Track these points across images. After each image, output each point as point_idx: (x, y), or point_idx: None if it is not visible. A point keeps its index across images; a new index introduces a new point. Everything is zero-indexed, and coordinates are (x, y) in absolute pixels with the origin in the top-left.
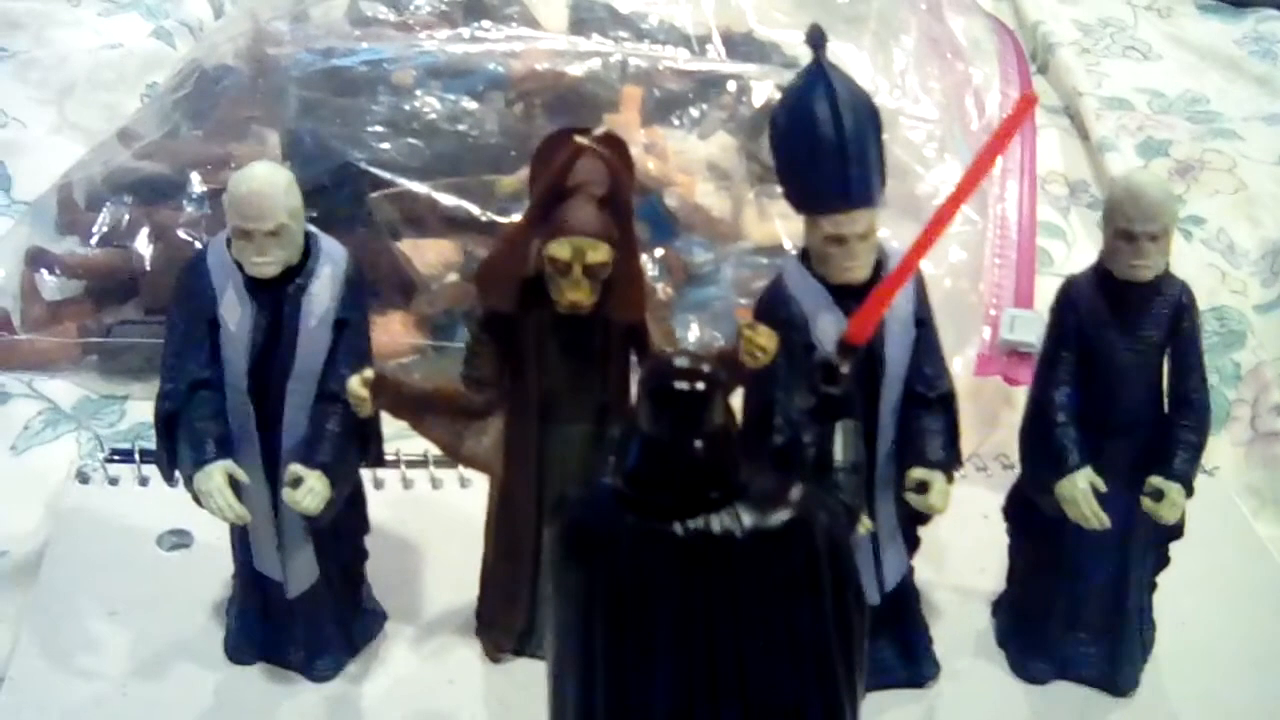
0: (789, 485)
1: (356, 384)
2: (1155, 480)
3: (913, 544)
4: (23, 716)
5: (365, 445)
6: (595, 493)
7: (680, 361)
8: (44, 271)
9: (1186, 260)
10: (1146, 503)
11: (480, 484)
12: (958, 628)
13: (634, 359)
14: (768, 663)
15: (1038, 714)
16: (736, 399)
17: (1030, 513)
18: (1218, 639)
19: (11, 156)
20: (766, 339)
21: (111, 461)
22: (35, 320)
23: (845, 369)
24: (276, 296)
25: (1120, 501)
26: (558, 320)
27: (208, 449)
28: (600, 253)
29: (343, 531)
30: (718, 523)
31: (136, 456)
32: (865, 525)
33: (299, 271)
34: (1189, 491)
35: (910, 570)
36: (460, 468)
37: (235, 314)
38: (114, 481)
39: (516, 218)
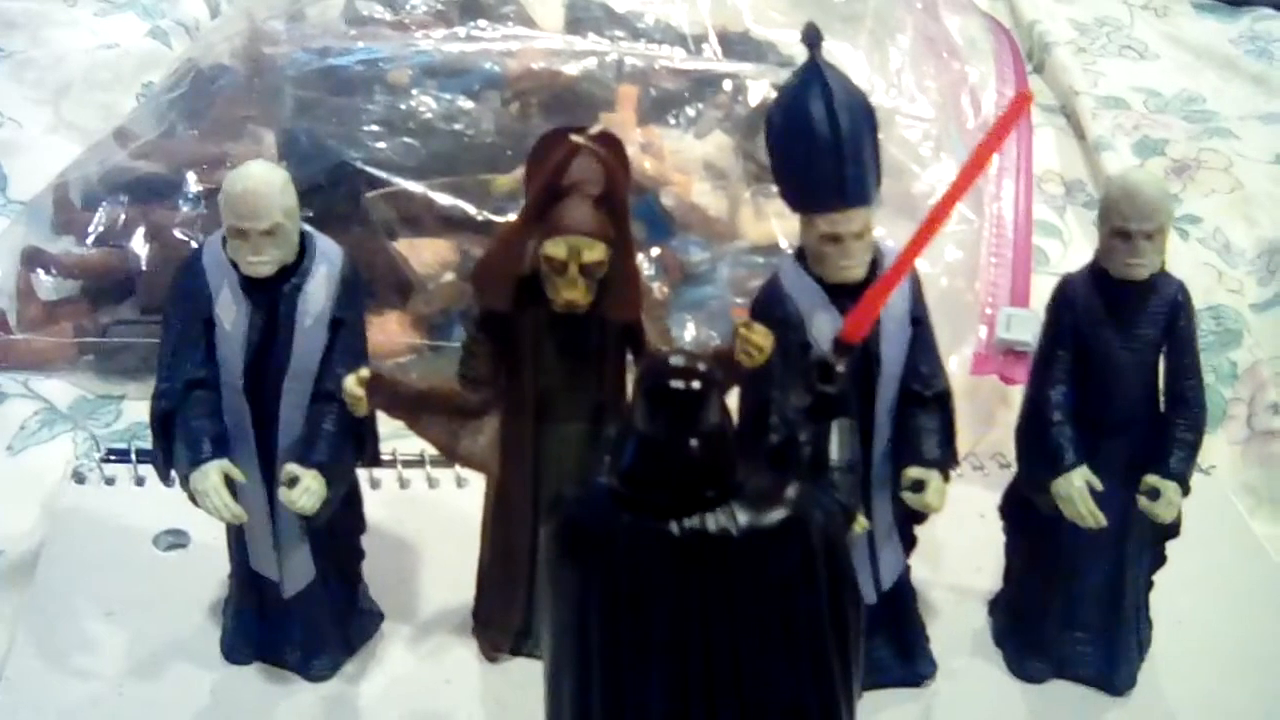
0: (785, 484)
1: (352, 383)
2: (1151, 479)
3: (909, 543)
4: (19, 716)
5: (361, 444)
6: (591, 492)
7: (676, 360)
8: (40, 271)
9: (1183, 259)
10: (1143, 501)
11: (477, 483)
12: (954, 627)
13: (630, 358)
14: (764, 661)
15: (1035, 713)
16: (732, 398)
17: (1027, 511)
18: (1215, 637)
19: (7, 156)
20: (762, 338)
21: (108, 461)
22: (31, 320)
23: (841, 368)
24: (272, 296)
25: (1116, 500)
26: (554, 319)
27: (204, 448)
28: (596, 252)
29: (339, 531)
30: (714, 521)
31: (133, 456)
32: (861, 524)
33: (295, 271)
34: (1185, 490)
35: (907, 569)
36: (457, 467)
37: (231, 313)
38: (110, 481)
39: (512, 217)
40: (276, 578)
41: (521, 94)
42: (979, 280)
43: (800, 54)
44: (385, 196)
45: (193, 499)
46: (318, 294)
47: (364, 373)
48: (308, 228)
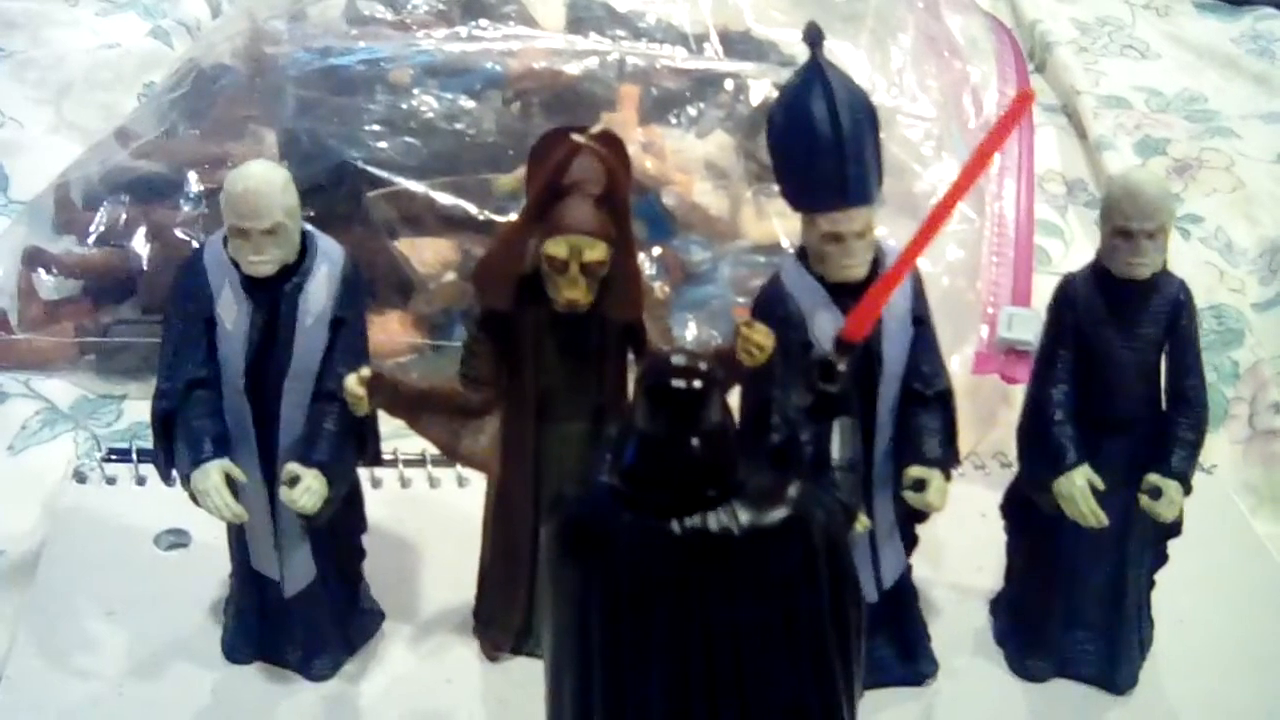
0: (786, 483)
1: (354, 383)
2: (1153, 478)
3: (910, 542)
4: (20, 716)
5: (362, 444)
6: (592, 491)
7: (677, 360)
8: (41, 271)
9: (1184, 258)
10: (1144, 500)
11: (478, 483)
12: (956, 626)
13: (631, 358)
14: (765, 660)
15: (1036, 712)
16: (734, 397)
17: (1028, 511)
18: (1216, 637)
19: (9, 156)
20: (764, 337)
21: (109, 461)
22: (32, 320)
23: (842, 367)
24: (273, 295)
25: (1118, 499)
26: (555, 319)
27: (205, 448)
28: (597, 251)
29: (340, 530)
30: (715, 520)
31: (134, 456)
32: (863, 523)
33: (296, 270)
34: (1187, 489)
35: (908, 568)
36: (458, 467)
37: (232, 313)
38: (111, 481)
39: (514, 216)
40: (277, 577)
41: (523, 93)
42: (980, 279)
43: (802, 53)
44: (386, 196)
45: (194, 498)
46: (319, 293)
47: (365, 372)
48: (309, 227)
